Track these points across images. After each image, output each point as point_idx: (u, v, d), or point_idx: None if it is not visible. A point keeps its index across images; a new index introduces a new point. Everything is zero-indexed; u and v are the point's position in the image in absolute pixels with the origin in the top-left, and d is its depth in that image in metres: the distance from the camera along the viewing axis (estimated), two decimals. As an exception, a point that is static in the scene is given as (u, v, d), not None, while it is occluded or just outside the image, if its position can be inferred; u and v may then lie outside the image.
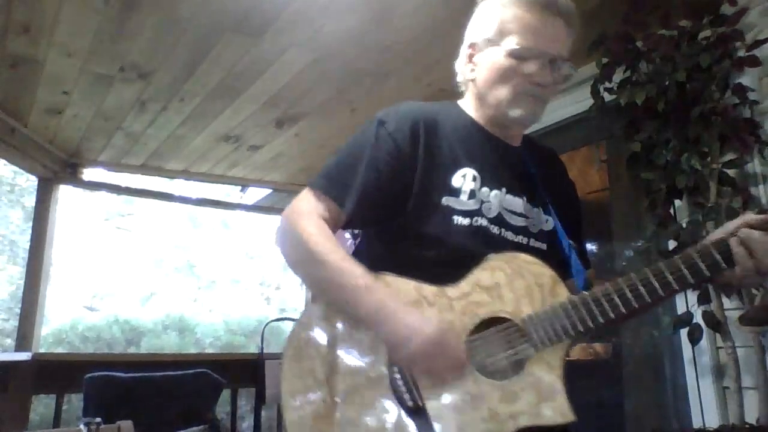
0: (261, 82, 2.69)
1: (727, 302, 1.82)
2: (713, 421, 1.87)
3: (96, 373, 2.67)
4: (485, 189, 1.08)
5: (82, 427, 1.49)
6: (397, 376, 0.96)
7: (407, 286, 1.01)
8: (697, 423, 1.95)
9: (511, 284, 0.99)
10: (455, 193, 1.06)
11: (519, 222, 1.11)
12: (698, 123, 1.81)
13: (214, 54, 2.43)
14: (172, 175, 4.01)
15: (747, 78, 1.89)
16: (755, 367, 1.74)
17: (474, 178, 1.08)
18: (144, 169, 3.84)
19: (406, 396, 0.94)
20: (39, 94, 2.76)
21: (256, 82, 2.69)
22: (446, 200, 1.05)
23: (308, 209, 1.06)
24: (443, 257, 1.02)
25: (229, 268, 9.07)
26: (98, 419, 1.52)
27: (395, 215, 1.06)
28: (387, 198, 1.06)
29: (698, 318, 1.85)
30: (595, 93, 2.11)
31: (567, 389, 0.94)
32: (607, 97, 2.11)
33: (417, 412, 0.92)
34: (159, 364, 3.22)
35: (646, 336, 2.31)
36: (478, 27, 1.13)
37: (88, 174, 3.71)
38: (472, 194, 1.06)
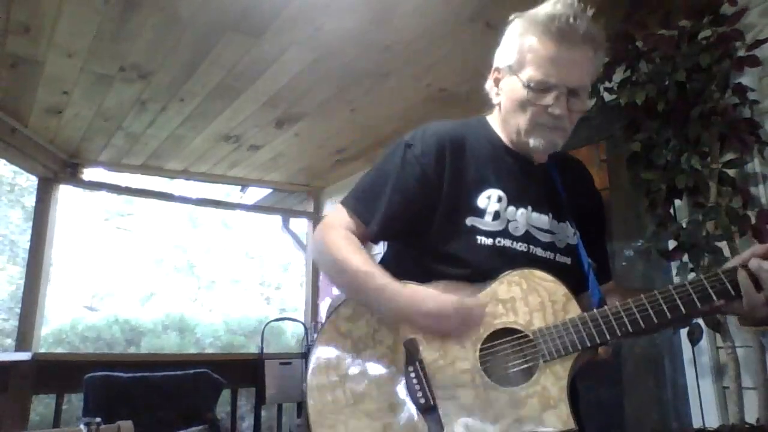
0: (261, 82, 2.69)
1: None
2: (713, 421, 1.87)
3: (96, 373, 2.67)
4: (511, 208, 1.13)
5: (82, 427, 1.49)
6: (413, 375, 1.01)
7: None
8: (697, 423, 1.95)
9: (526, 299, 1.05)
10: (480, 213, 1.11)
11: (546, 238, 1.15)
12: (698, 123, 1.81)
13: (214, 54, 2.43)
14: (172, 175, 4.01)
15: (747, 78, 1.89)
16: (755, 367, 1.74)
17: (499, 199, 1.12)
18: (144, 169, 3.84)
19: (419, 394, 0.99)
20: (39, 94, 2.76)
21: (256, 82, 2.69)
22: (471, 221, 1.10)
23: (337, 222, 1.15)
24: (466, 275, 1.08)
25: (229, 268, 9.07)
26: (98, 419, 1.52)
27: (420, 233, 1.12)
28: (412, 219, 1.13)
29: (698, 318, 1.85)
30: (595, 93, 2.11)
31: (573, 399, 0.99)
32: (607, 97, 2.11)
33: (429, 410, 0.98)
34: (159, 364, 3.21)
35: (646, 336, 2.31)
36: (502, 52, 1.16)
37: (88, 174, 3.71)
38: (497, 215, 1.11)
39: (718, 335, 1.85)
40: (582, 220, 1.22)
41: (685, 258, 1.86)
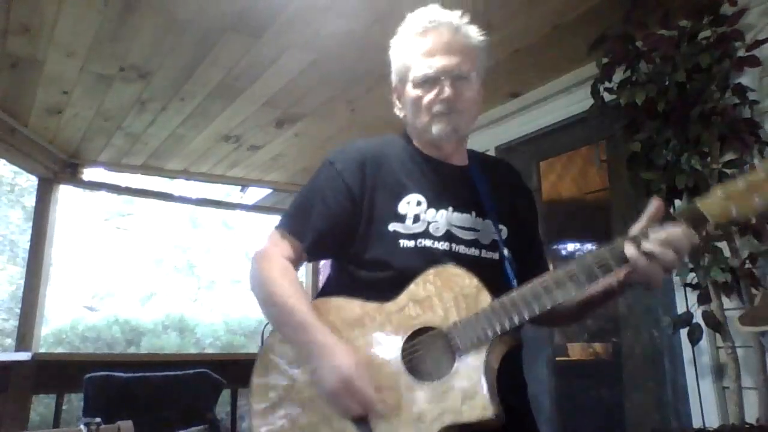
0: (261, 82, 2.69)
1: (727, 302, 1.82)
2: (713, 421, 1.87)
3: (96, 373, 2.67)
4: (431, 210, 1.18)
5: (82, 427, 1.49)
6: None
7: (352, 305, 1.13)
8: (697, 423, 1.95)
9: (441, 296, 1.08)
10: (401, 219, 1.16)
11: (469, 236, 1.19)
12: (698, 123, 1.81)
13: (214, 54, 2.43)
14: (172, 175, 4.01)
15: (747, 78, 1.89)
16: (755, 367, 1.74)
17: (419, 203, 1.18)
18: (144, 169, 3.84)
19: None
20: (39, 94, 2.76)
21: (256, 82, 2.69)
22: (393, 226, 1.16)
23: (272, 251, 1.21)
24: (391, 278, 1.12)
25: (229, 268, 9.07)
26: (98, 419, 1.52)
27: (349, 244, 1.18)
28: (339, 229, 1.18)
29: (698, 318, 1.85)
30: (595, 93, 2.11)
31: (511, 386, 1.03)
32: (607, 97, 2.11)
33: (360, 418, 1.03)
34: (159, 364, 3.21)
35: (646, 336, 2.31)
36: (393, 72, 1.27)
37: (88, 174, 3.71)
38: (417, 218, 1.16)
39: (718, 335, 1.85)
40: (512, 217, 1.26)
41: (685, 258, 1.86)
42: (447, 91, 1.16)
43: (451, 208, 1.19)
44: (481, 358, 1.01)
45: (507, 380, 1.04)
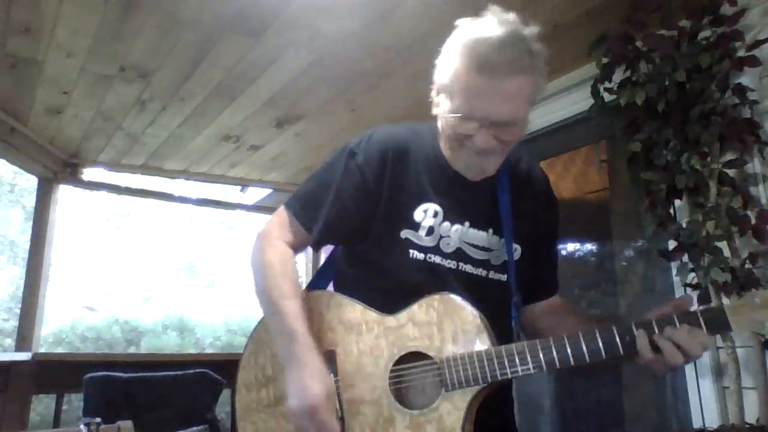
0: (261, 82, 2.69)
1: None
2: (713, 421, 1.87)
3: (96, 373, 2.67)
4: (446, 224, 1.14)
5: (82, 427, 1.49)
6: None
7: (354, 308, 1.12)
8: (697, 423, 1.95)
9: (441, 324, 1.06)
10: (415, 227, 1.13)
11: (480, 255, 1.17)
12: (698, 123, 1.81)
13: (214, 54, 2.43)
14: (172, 175, 4.01)
15: (747, 78, 1.89)
16: (755, 367, 1.74)
17: (435, 214, 1.14)
18: (144, 169, 3.84)
19: None
20: (39, 94, 2.76)
21: (256, 82, 2.69)
22: (405, 233, 1.13)
23: (277, 234, 1.18)
24: (395, 288, 1.12)
25: (229, 268, 9.07)
26: (98, 419, 1.53)
27: (359, 239, 1.17)
28: (351, 226, 1.16)
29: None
30: (595, 93, 2.11)
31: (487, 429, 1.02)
32: (607, 97, 2.10)
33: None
34: (159, 364, 3.21)
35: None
36: (440, 68, 1.12)
37: (88, 174, 3.71)
38: (431, 230, 1.13)
39: (718, 335, 1.85)
40: (529, 235, 1.22)
41: (685, 258, 1.86)
42: (483, 141, 1.06)
43: (467, 224, 1.16)
44: (466, 402, 1.01)
45: (491, 399, 1.05)
